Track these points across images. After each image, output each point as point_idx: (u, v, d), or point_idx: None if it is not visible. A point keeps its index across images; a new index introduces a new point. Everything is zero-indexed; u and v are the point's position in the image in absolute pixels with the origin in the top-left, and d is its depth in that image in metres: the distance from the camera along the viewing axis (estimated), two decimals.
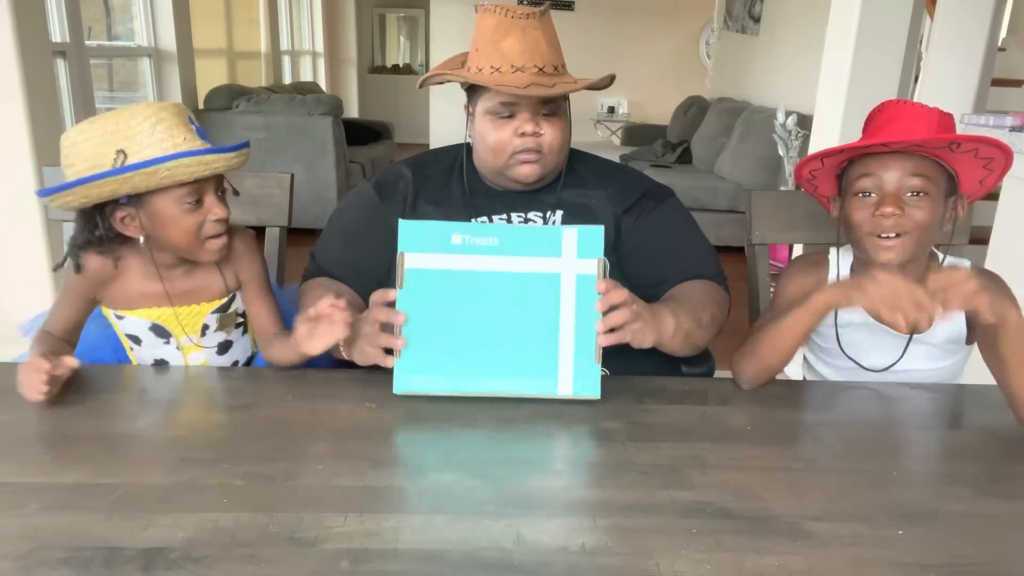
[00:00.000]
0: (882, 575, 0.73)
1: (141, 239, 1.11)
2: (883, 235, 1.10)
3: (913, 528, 0.81)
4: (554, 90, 1.16)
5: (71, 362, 1.01)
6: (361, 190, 1.36)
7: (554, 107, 1.22)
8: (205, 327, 1.22)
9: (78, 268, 1.12)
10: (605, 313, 1.04)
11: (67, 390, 1.05)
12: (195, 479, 0.85)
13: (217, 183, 1.12)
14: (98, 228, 1.09)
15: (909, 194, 1.09)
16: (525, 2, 7.75)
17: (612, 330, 1.05)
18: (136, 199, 1.07)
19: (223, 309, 1.23)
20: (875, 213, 1.10)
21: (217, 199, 1.11)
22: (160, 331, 1.20)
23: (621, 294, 1.05)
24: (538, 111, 1.21)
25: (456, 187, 1.32)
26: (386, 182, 1.34)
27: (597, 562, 0.73)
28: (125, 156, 1.01)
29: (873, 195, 1.11)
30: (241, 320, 1.27)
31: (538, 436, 1.00)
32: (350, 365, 1.17)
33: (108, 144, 1.01)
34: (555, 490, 0.86)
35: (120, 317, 1.19)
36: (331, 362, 1.28)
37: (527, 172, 1.24)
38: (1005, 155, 1.07)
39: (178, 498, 0.81)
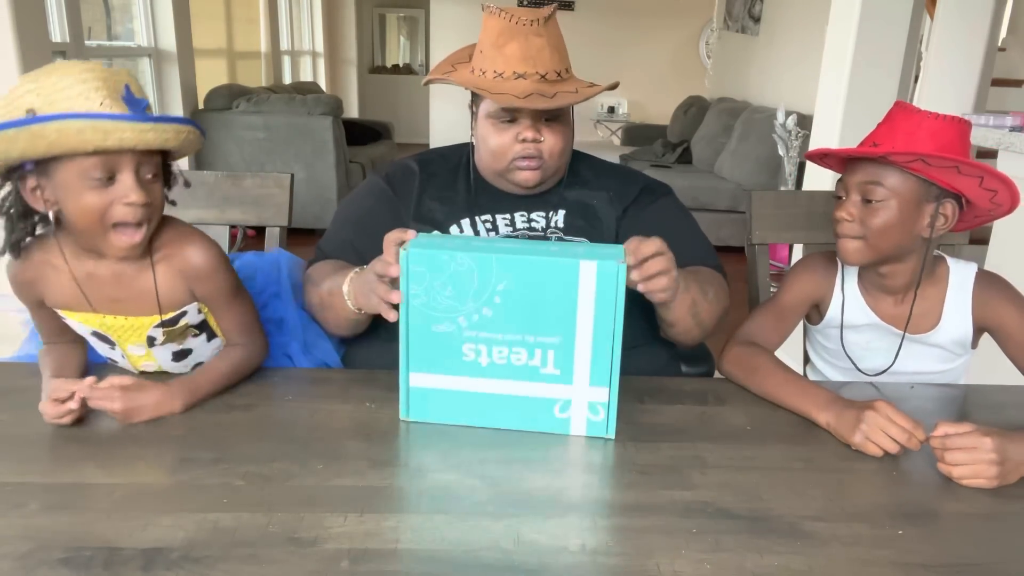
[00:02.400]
0: (882, 575, 0.73)
1: (50, 214, 0.95)
2: (841, 236, 1.14)
3: (913, 528, 0.81)
4: (554, 101, 1.15)
5: (81, 387, 0.94)
6: (372, 183, 1.35)
7: (556, 113, 1.22)
8: (151, 339, 1.09)
9: (14, 247, 1.00)
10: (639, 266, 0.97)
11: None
12: (195, 479, 0.85)
13: (143, 163, 0.94)
14: (9, 200, 0.97)
15: (872, 200, 1.10)
16: (526, 2, 7.77)
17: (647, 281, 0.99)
18: (44, 167, 0.92)
19: (169, 323, 1.07)
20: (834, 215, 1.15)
21: (137, 182, 0.93)
22: (103, 337, 1.09)
23: (653, 244, 0.97)
24: (539, 117, 1.21)
25: (461, 186, 1.32)
26: (396, 176, 1.34)
27: (597, 562, 0.73)
28: (34, 115, 0.87)
29: (841, 197, 1.15)
30: (198, 331, 1.13)
31: (538, 437, 1.00)
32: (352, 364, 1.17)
33: (23, 99, 0.88)
34: (555, 490, 0.86)
35: (65, 317, 1.07)
36: (336, 361, 1.28)
37: (526, 177, 1.24)
38: (1009, 192, 1.07)
39: (178, 498, 0.81)
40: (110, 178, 0.92)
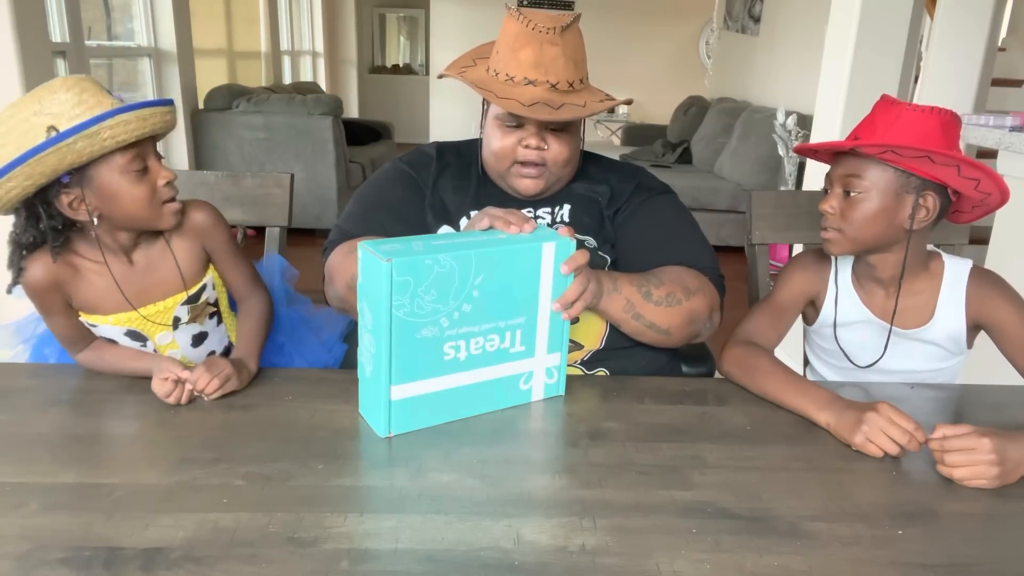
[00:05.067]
0: (882, 575, 0.73)
1: (95, 220, 1.04)
2: (825, 228, 1.16)
3: (913, 528, 0.81)
4: (558, 113, 1.14)
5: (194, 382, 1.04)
6: (396, 169, 1.34)
7: (563, 123, 1.20)
8: (177, 320, 1.17)
9: (16, 278, 1.05)
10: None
11: (73, 391, 1.04)
12: (195, 479, 0.85)
13: (154, 147, 1.07)
14: (42, 220, 1.02)
15: (852, 192, 1.11)
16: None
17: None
18: (80, 178, 1.01)
19: (193, 300, 1.18)
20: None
21: (160, 164, 1.06)
22: (135, 335, 1.15)
23: (575, 290, 1.04)
24: (545, 126, 1.19)
25: (473, 179, 1.32)
26: (416, 162, 1.34)
27: (597, 562, 0.73)
28: (57, 132, 0.95)
29: (828, 191, 1.17)
30: (215, 310, 1.23)
31: (538, 436, 1.00)
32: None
33: (36, 125, 0.96)
34: (555, 490, 0.86)
35: (93, 325, 1.13)
36: (337, 362, 1.29)
37: (526, 185, 1.23)
38: (993, 180, 1.06)
39: (178, 498, 0.81)
40: (144, 169, 1.04)
